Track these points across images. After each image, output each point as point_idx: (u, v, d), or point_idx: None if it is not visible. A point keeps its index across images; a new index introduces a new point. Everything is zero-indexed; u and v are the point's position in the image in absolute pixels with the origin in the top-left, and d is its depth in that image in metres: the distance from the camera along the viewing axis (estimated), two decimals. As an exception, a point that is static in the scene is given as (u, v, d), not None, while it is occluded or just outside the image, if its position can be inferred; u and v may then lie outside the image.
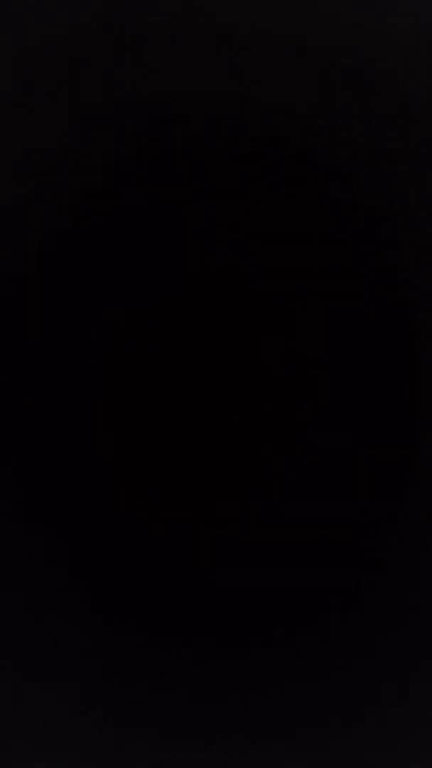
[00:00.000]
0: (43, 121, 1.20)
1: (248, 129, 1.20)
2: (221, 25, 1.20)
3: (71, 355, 1.19)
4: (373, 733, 1.18)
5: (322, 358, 1.19)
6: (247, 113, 1.20)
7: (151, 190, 1.20)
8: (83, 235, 1.19)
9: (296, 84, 1.20)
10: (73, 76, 1.20)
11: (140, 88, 1.20)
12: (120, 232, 1.20)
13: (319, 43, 1.21)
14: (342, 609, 1.18)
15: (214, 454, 1.18)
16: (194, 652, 1.18)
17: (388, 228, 1.20)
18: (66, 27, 1.21)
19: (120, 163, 1.20)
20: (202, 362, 1.19)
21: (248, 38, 1.21)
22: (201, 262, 1.19)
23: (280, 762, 1.18)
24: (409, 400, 1.19)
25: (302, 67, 1.21)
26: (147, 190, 1.20)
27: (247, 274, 1.19)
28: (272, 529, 1.18)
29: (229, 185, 1.20)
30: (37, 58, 1.20)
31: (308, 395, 1.19)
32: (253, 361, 1.19)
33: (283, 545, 1.18)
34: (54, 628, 1.18)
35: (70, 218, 1.19)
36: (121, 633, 1.18)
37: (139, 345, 1.19)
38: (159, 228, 1.20)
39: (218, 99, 1.20)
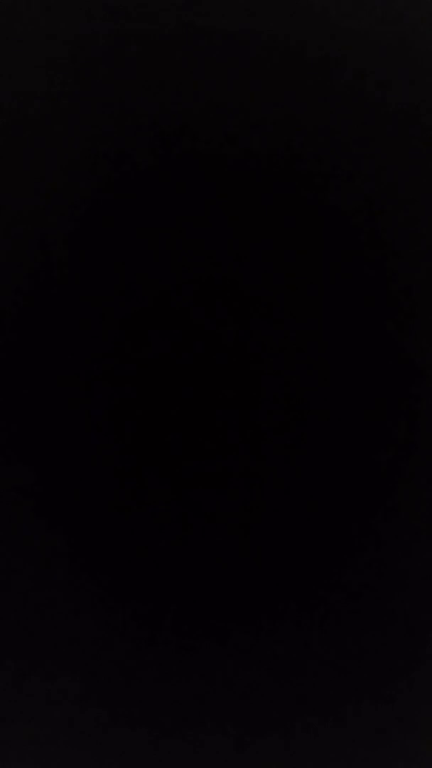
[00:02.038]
0: (43, 128, 1.20)
1: (248, 136, 1.20)
2: (221, 32, 1.21)
3: (71, 357, 1.19)
4: (373, 731, 1.18)
5: (322, 359, 1.19)
6: (247, 120, 1.21)
7: (151, 198, 1.20)
8: (83, 243, 1.20)
9: (297, 91, 1.21)
10: (72, 83, 1.21)
11: (139, 96, 1.21)
12: (120, 239, 1.20)
13: (319, 50, 1.21)
14: (342, 606, 1.18)
15: (213, 454, 1.18)
16: (194, 649, 1.18)
17: (387, 235, 1.21)
18: (66, 33, 1.21)
19: (120, 171, 1.20)
20: (201, 363, 1.19)
21: (248, 45, 1.21)
22: (201, 270, 1.19)
23: (280, 758, 1.17)
24: (409, 401, 1.19)
25: (303, 74, 1.21)
26: (147, 198, 1.20)
27: (247, 282, 1.20)
28: (272, 527, 1.18)
29: (229, 192, 1.20)
30: (36, 65, 1.21)
31: (308, 396, 1.19)
32: (253, 365, 1.19)
33: (282, 541, 1.18)
34: (54, 625, 1.18)
35: (70, 226, 1.20)
36: (121, 630, 1.18)
37: (139, 347, 1.19)
38: (158, 235, 1.20)
39: (218, 106, 1.20)
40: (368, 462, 1.19)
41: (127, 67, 1.21)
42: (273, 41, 1.21)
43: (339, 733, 1.18)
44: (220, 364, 1.19)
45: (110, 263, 1.20)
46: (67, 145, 1.20)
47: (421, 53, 1.22)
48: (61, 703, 1.18)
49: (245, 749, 1.17)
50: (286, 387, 1.19)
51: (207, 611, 1.18)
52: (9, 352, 1.19)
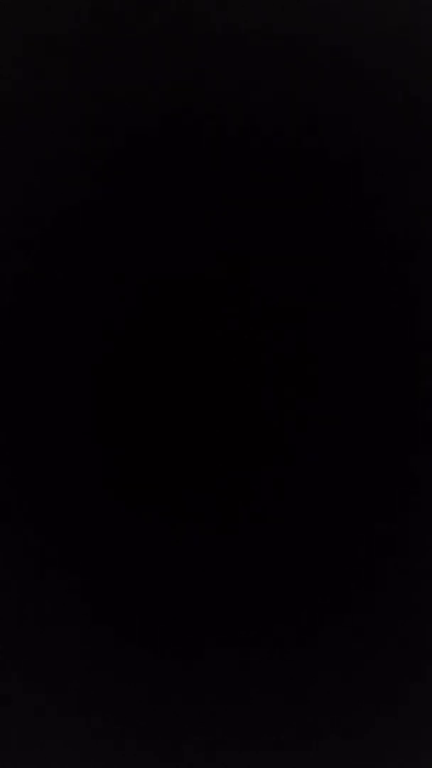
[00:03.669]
0: (42, 119, 1.20)
1: (248, 127, 1.20)
2: (220, 24, 1.21)
3: (69, 357, 1.19)
4: (373, 733, 1.18)
5: (322, 359, 1.19)
6: (247, 111, 1.20)
7: (151, 190, 1.20)
8: (82, 236, 1.19)
9: (297, 82, 1.21)
10: (71, 75, 1.20)
11: (140, 87, 1.20)
12: (119, 231, 1.20)
13: (319, 42, 1.21)
14: (342, 609, 1.18)
15: (212, 455, 1.18)
16: (194, 654, 1.18)
17: (389, 226, 1.20)
18: (65, 27, 1.21)
19: (120, 162, 1.20)
20: (201, 363, 1.19)
21: (248, 37, 1.21)
22: (200, 261, 1.19)
23: (280, 762, 1.18)
24: (408, 402, 1.20)
25: (303, 66, 1.21)
26: (147, 190, 1.20)
27: (248, 273, 1.20)
28: (272, 529, 1.18)
29: (230, 184, 1.20)
30: (36, 58, 1.20)
31: (307, 397, 1.19)
32: (253, 362, 1.19)
33: (283, 545, 1.18)
34: (52, 631, 1.18)
35: (68, 219, 1.19)
36: (120, 635, 1.18)
37: (136, 345, 1.19)
38: (157, 227, 1.20)
39: (219, 98, 1.20)
40: (370, 467, 1.19)
41: (127, 56, 1.20)
42: (275, 27, 1.21)
43: (341, 745, 1.18)
44: (218, 359, 1.19)
45: (107, 256, 1.19)
46: (67, 133, 1.20)
47: (425, 41, 1.22)
48: (61, 712, 1.18)
49: (246, 760, 1.18)
50: (286, 384, 1.19)
51: (210, 622, 1.18)
52: (4, 351, 1.19)
